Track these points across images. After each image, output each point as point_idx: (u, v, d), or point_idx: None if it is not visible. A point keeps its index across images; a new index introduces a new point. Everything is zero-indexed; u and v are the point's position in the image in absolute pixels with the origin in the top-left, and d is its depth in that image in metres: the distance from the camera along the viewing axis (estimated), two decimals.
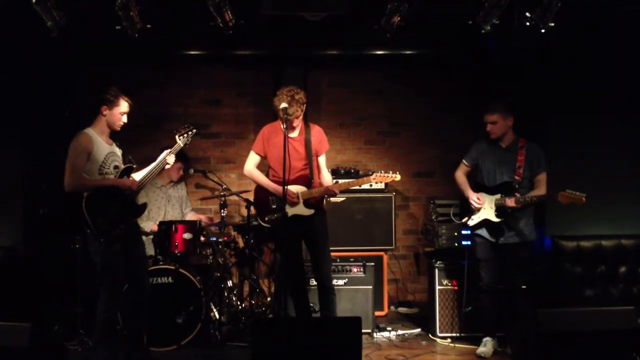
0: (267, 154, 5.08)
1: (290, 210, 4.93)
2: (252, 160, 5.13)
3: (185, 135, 4.86)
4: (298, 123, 4.99)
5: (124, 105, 4.56)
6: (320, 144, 5.06)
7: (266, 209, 5.05)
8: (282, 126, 4.80)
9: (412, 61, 6.81)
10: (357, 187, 6.21)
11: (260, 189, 5.12)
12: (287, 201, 4.81)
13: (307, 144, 4.98)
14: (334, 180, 5.45)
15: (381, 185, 6.35)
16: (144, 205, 4.78)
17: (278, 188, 4.87)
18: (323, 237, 5.05)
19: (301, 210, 4.95)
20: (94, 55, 6.36)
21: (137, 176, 4.70)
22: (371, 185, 6.29)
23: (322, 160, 5.09)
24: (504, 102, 5.13)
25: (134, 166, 4.71)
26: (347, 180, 5.22)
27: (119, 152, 4.70)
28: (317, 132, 5.07)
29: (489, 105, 5.14)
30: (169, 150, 4.80)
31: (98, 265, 4.47)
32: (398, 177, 5.04)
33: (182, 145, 4.84)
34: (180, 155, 6.14)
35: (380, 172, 5.01)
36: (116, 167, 4.61)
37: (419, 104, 7.06)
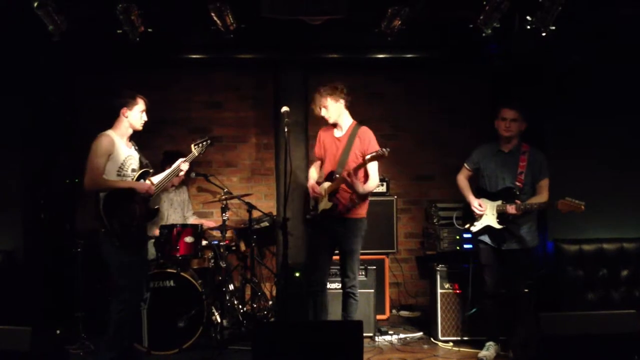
0: (321, 155, 5.18)
1: (319, 207, 5.02)
2: (314, 166, 5.30)
3: (201, 145, 5.10)
4: (334, 118, 5.00)
5: (141, 103, 4.67)
6: (365, 144, 4.92)
7: (308, 207, 5.19)
8: (285, 130, 4.87)
9: (413, 64, 6.81)
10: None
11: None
12: (315, 198, 5.01)
13: (348, 144, 4.95)
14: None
15: (383, 189, 6.34)
16: (157, 210, 4.89)
17: (310, 186, 5.11)
18: (349, 244, 4.96)
19: (324, 204, 4.96)
20: (95, 59, 6.37)
21: (154, 180, 4.78)
22: None
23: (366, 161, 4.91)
24: (524, 107, 5.07)
25: (151, 170, 4.78)
26: (356, 165, 4.87)
27: (137, 155, 4.76)
28: (363, 132, 4.97)
29: (509, 102, 5.10)
30: (183, 159, 4.94)
31: (111, 266, 4.52)
32: (387, 151, 4.69)
33: (196, 154, 5.04)
34: (174, 161, 6.16)
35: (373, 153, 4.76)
36: (134, 170, 4.67)
37: (419, 107, 7.07)
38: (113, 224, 4.42)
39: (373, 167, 4.93)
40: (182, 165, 4.92)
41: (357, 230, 4.99)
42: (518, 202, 4.92)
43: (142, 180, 4.65)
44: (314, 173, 5.21)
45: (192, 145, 5.07)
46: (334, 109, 4.98)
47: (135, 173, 4.64)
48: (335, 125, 5.07)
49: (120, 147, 4.58)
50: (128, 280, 4.52)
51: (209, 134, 6.93)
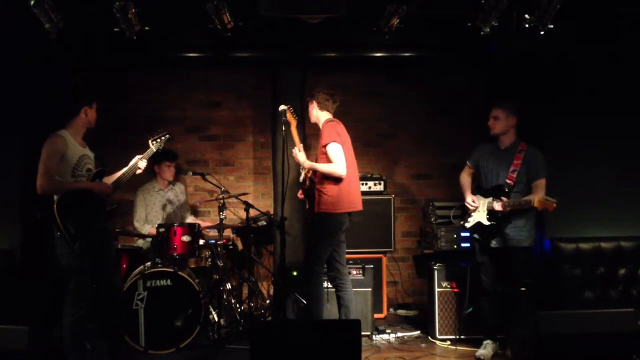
0: None
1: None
2: None
3: (159, 140, 4.92)
4: (312, 120, 5.29)
5: (95, 103, 4.66)
6: (322, 137, 5.07)
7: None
8: (283, 128, 4.95)
9: (411, 63, 6.81)
10: None
11: None
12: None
13: (319, 141, 5.11)
14: None
15: (380, 188, 6.35)
16: (115, 210, 4.72)
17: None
18: (309, 237, 5.07)
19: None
20: (92, 58, 6.36)
21: (109, 180, 4.68)
22: (370, 188, 6.30)
23: (327, 152, 4.99)
24: (512, 102, 5.13)
25: (107, 169, 4.71)
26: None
27: (91, 154, 4.70)
28: (324, 127, 5.12)
29: (497, 101, 5.17)
30: (140, 155, 4.79)
31: (64, 268, 4.45)
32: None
33: (154, 150, 4.88)
34: (169, 155, 6.16)
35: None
36: (89, 170, 4.60)
37: (417, 106, 7.07)
38: (68, 226, 4.34)
39: (332, 152, 4.95)
40: (140, 162, 4.76)
41: (321, 226, 5.01)
42: (505, 199, 4.92)
43: (97, 180, 4.57)
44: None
45: (150, 141, 4.89)
46: (311, 112, 5.27)
47: (90, 173, 4.58)
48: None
49: (74, 147, 4.51)
50: (79, 283, 4.43)
51: (207, 133, 6.99)
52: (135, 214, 6.04)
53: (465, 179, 5.31)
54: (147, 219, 6.04)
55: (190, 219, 6.24)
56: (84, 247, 4.39)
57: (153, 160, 6.03)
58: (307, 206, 5.33)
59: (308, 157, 5.23)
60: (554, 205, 4.67)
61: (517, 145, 5.09)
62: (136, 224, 6.02)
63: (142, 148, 4.86)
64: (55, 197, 4.38)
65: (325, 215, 5.02)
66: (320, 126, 5.20)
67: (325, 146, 4.97)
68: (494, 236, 5.03)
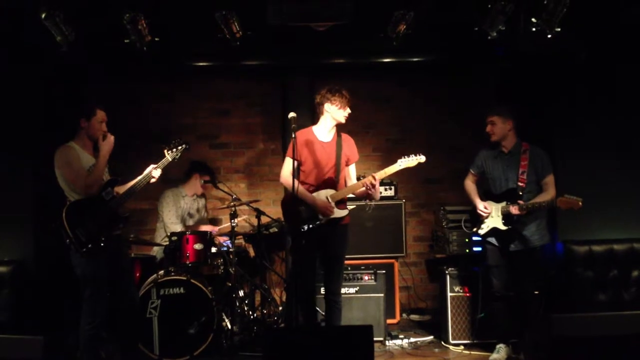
0: (301, 160, 4.85)
1: (329, 215, 4.80)
2: (287, 167, 4.83)
3: (175, 150, 4.81)
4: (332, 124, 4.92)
5: (100, 114, 4.58)
6: (352, 152, 4.97)
7: (299, 218, 4.78)
8: (293, 135, 4.77)
9: (419, 68, 6.82)
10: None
11: (288, 200, 4.93)
12: (324, 213, 4.74)
13: (338, 149, 4.89)
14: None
15: (391, 193, 6.35)
16: (127, 217, 4.71)
17: (309, 197, 4.77)
18: (342, 250, 4.92)
19: (337, 213, 4.81)
20: (104, 68, 6.42)
21: (122, 189, 4.68)
22: (381, 193, 6.30)
23: (352, 169, 4.99)
24: (506, 105, 5.18)
25: (119, 179, 4.70)
26: (384, 170, 4.88)
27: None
28: (348, 139, 4.99)
29: (491, 107, 5.22)
30: (154, 165, 4.74)
31: (79, 278, 4.46)
32: (423, 158, 4.89)
33: (170, 159, 4.79)
34: (206, 170, 6.20)
35: (404, 157, 4.90)
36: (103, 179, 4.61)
37: (426, 110, 7.08)
38: (77, 234, 4.35)
39: (354, 170, 5.00)
40: (154, 172, 4.70)
41: (347, 236, 4.96)
42: (521, 202, 4.93)
43: (108, 189, 4.55)
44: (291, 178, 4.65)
45: (165, 150, 4.80)
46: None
47: (103, 182, 4.58)
48: (311, 129, 4.96)
49: (84, 157, 4.53)
50: (94, 292, 4.44)
51: (217, 141, 7.03)
52: (169, 213, 6.01)
53: (471, 186, 5.33)
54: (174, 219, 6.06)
55: (203, 227, 6.25)
56: (95, 254, 4.40)
57: (196, 169, 6.12)
58: (302, 213, 4.80)
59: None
60: (580, 203, 4.67)
61: (520, 146, 5.12)
62: (167, 221, 5.98)
63: (152, 157, 4.87)
64: (66, 205, 4.41)
65: (348, 226, 4.98)
66: (333, 134, 4.93)
67: (354, 163, 4.99)
68: (513, 240, 5.04)
